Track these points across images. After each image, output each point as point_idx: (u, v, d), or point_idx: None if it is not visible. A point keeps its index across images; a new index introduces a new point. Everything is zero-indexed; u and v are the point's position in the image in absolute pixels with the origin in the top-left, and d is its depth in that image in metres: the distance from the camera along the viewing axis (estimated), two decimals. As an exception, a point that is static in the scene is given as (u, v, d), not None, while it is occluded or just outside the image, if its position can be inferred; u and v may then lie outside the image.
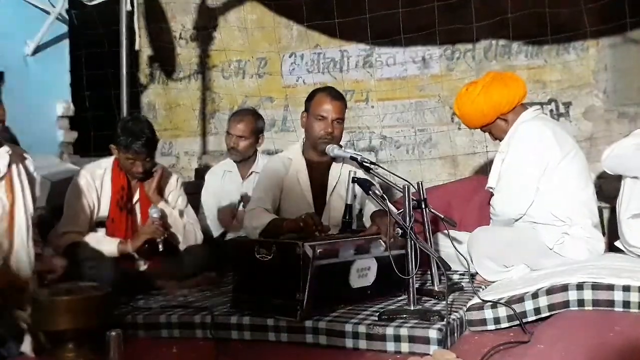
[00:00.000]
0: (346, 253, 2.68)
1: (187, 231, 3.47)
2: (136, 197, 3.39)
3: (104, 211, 3.33)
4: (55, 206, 3.52)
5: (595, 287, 2.57)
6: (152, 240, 3.25)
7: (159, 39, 5.88)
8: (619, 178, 3.18)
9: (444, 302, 2.59)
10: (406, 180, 2.71)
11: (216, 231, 3.99)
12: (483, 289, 2.97)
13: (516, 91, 3.27)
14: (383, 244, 2.77)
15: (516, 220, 3.24)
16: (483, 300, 2.65)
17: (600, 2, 4.49)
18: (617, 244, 3.14)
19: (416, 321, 2.42)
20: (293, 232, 2.83)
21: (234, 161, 4.11)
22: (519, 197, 3.19)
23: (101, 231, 3.32)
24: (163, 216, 3.31)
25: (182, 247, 3.46)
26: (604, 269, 2.77)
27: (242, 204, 3.94)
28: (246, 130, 4.00)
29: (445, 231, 3.12)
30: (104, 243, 3.22)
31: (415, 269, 2.55)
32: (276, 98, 5.67)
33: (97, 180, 3.32)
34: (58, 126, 4.83)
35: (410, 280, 2.54)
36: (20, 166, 2.62)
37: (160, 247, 3.23)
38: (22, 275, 2.51)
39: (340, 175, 3.26)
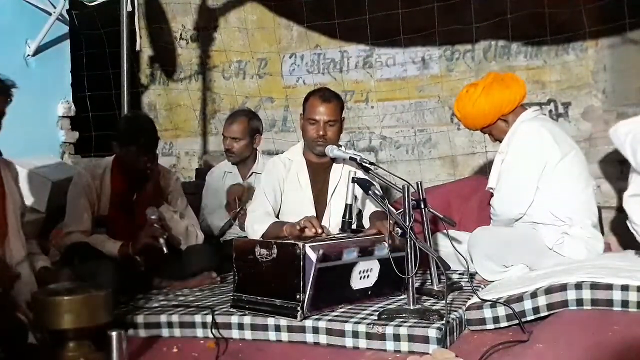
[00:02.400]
0: (350, 256, 2.69)
1: (188, 232, 3.48)
2: (135, 197, 3.39)
3: (103, 211, 3.34)
4: (56, 206, 3.52)
5: (594, 286, 2.58)
6: (153, 244, 3.18)
7: (160, 39, 5.90)
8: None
9: (444, 301, 2.60)
10: (405, 181, 2.72)
11: (221, 221, 3.97)
12: (482, 289, 2.98)
13: (517, 92, 3.29)
14: (387, 245, 2.76)
15: (516, 220, 3.26)
16: (482, 299, 2.67)
17: (600, 3, 4.50)
18: (628, 222, 3.09)
19: (416, 320, 2.43)
20: (293, 236, 2.83)
21: (232, 163, 4.11)
22: (519, 197, 3.20)
23: (102, 231, 3.32)
24: (161, 217, 3.28)
25: (183, 247, 3.47)
26: (603, 268, 2.78)
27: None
28: (239, 131, 4.00)
29: (445, 231, 3.13)
30: (107, 245, 3.22)
31: (415, 268, 2.56)
32: (276, 98, 5.68)
33: (96, 180, 3.32)
34: (59, 126, 4.84)
35: (410, 279, 2.55)
36: (8, 169, 2.76)
37: (165, 249, 3.14)
38: (16, 259, 2.60)
39: (341, 176, 3.26)
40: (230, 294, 2.80)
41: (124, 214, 3.34)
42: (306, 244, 2.53)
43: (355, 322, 2.44)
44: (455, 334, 2.50)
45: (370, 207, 3.19)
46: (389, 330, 2.37)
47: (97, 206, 3.33)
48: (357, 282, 2.75)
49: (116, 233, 3.29)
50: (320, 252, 2.54)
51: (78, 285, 2.44)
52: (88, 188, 3.29)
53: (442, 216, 3.07)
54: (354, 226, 3.01)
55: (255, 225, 3.06)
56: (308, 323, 2.49)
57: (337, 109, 3.21)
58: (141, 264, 3.28)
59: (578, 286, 2.60)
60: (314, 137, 3.18)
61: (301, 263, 2.50)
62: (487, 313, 2.60)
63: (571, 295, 2.59)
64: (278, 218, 3.20)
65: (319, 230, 2.77)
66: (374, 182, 3.03)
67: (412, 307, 2.52)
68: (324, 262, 2.56)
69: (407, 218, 2.57)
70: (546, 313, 2.61)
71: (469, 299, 2.75)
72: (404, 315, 2.48)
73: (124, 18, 4.43)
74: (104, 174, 3.35)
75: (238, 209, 3.84)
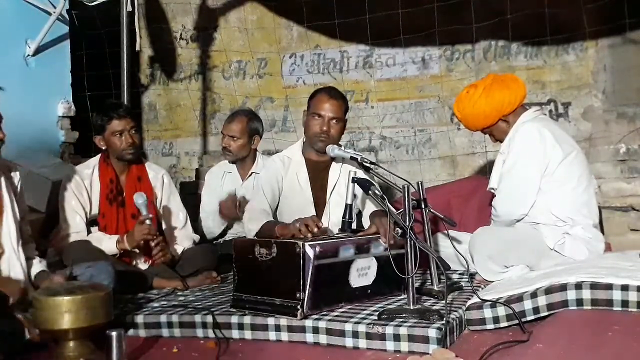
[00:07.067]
0: (346, 252, 2.69)
1: (186, 229, 3.52)
2: (125, 190, 3.39)
3: (95, 208, 3.36)
4: (56, 206, 3.52)
5: (594, 286, 2.58)
6: (145, 242, 3.24)
7: (160, 39, 5.90)
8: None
9: (444, 301, 2.60)
10: (406, 180, 2.72)
11: (218, 228, 3.97)
12: (482, 289, 2.98)
13: (517, 92, 3.29)
14: (383, 244, 2.78)
15: (517, 221, 3.25)
16: (482, 299, 2.66)
17: (600, 3, 4.51)
18: None
19: (416, 320, 2.43)
20: (285, 237, 2.81)
21: (229, 162, 4.11)
22: (521, 198, 3.20)
23: (95, 229, 3.34)
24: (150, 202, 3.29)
25: (181, 244, 3.48)
26: (603, 268, 2.78)
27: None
28: (237, 130, 3.99)
29: (445, 231, 3.13)
30: (104, 242, 3.24)
31: (415, 268, 2.56)
32: (276, 98, 5.69)
33: (86, 180, 3.35)
34: (59, 126, 4.84)
35: (410, 279, 2.55)
36: (6, 178, 2.71)
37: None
38: (16, 280, 2.57)
39: (340, 175, 3.27)
40: (230, 294, 2.80)
41: (115, 207, 3.35)
42: (305, 243, 2.53)
43: (355, 322, 2.44)
44: (455, 334, 2.50)
45: (370, 207, 3.19)
46: (389, 330, 2.36)
47: (90, 206, 3.35)
48: (356, 280, 2.74)
49: (108, 227, 3.31)
50: (317, 249, 2.54)
51: (78, 285, 2.45)
52: (78, 189, 3.31)
53: (442, 216, 3.07)
54: (353, 226, 3.01)
55: (249, 224, 3.08)
56: (308, 323, 2.49)
57: (342, 108, 3.23)
58: (141, 261, 3.34)
59: (578, 286, 2.59)
60: (317, 132, 3.19)
61: (301, 262, 2.50)
62: (487, 313, 2.60)
63: (571, 295, 2.59)
64: (276, 216, 3.20)
65: (315, 230, 2.75)
66: (374, 182, 3.03)
67: (412, 307, 2.52)
68: (321, 259, 2.56)
69: (408, 218, 2.57)
70: (546, 313, 2.60)
71: (469, 299, 2.75)
72: (404, 315, 2.48)
73: (124, 18, 4.43)
74: (93, 173, 3.38)
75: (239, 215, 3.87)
